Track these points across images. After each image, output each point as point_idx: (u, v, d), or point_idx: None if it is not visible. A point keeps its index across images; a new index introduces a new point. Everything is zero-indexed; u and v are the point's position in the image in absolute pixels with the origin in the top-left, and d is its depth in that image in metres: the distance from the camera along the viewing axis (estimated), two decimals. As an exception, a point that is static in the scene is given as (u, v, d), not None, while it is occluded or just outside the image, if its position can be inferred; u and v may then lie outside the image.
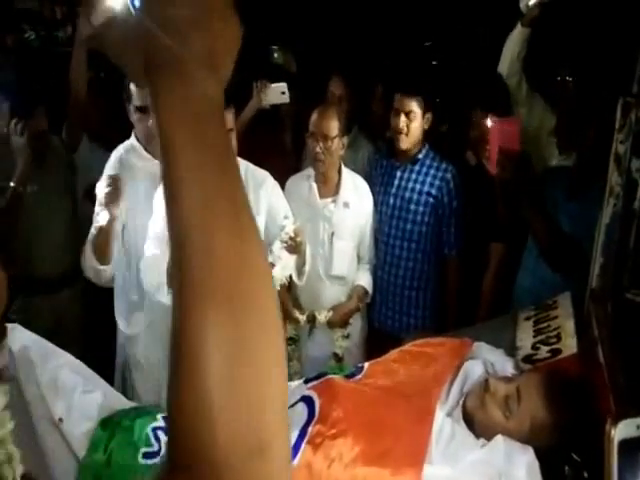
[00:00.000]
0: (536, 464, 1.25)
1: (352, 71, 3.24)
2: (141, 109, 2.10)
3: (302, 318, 2.58)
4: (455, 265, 2.77)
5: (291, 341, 2.65)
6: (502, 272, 2.63)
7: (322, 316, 2.58)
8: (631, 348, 1.58)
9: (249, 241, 0.50)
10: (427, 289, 2.80)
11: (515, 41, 2.92)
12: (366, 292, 2.72)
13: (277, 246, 2.14)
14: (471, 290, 2.69)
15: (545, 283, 2.23)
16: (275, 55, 3.56)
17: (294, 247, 2.13)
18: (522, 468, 1.23)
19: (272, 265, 2.13)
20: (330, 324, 2.61)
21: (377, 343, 2.44)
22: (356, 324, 2.72)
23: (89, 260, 2.12)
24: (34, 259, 2.62)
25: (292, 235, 2.10)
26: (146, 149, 2.24)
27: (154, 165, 2.13)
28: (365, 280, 2.72)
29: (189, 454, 0.45)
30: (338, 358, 2.61)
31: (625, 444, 0.65)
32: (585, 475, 1.14)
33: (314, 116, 2.53)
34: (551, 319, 1.87)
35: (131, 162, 2.24)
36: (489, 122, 2.11)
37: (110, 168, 2.24)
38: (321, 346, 2.66)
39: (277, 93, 2.74)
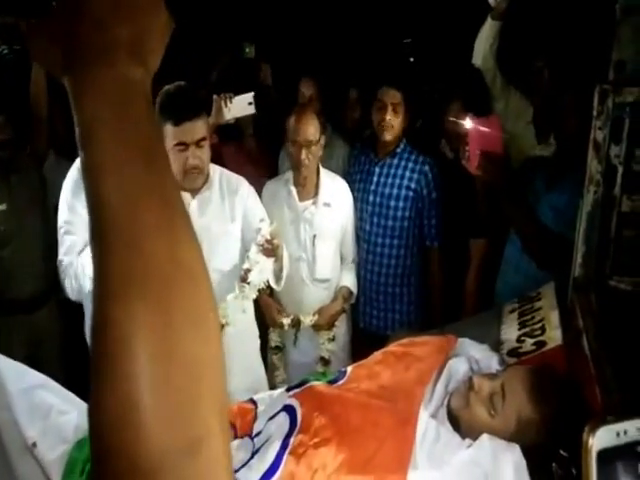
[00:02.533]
0: (523, 462, 1.22)
1: (322, 72, 3.23)
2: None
3: (287, 322, 2.53)
4: (437, 257, 2.76)
5: (276, 349, 2.62)
6: (484, 267, 2.62)
7: (307, 320, 2.55)
8: (616, 337, 1.55)
9: (180, 239, 0.47)
10: (410, 284, 2.79)
11: (486, 35, 2.91)
12: (351, 292, 2.69)
13: (254, 250, 2.10)
14: (455, 284, 2.67)
15: (528, 276, 2.22)
16: (247, 50, 3.51)
17: (271, 250, 2.09)
18: (509, 467, 1.20)
19: (249, 270, 2.10)
20: (316, 327, 2.58)
21: (363, 344, 2.41)
22: (341, 326, 2.70)
23: (66, 280, 2.04)
24: (6, 279, 2.56)
25: (268, 237, 2.06)
26: None
27: None
28: (349, 280, 2.70)
29: (112, 456, 0.41)
30: (325, 362, 2.58)
31: (604, 454, 0.60)
32: (573, 471, 1.11)
33: (292, 122, 2.51)
34: (535, 311, 1.84)
35: None
36: (468, 123, 2.10)
37: None
38: (307, 351, 2.63)
39: (242, 104, 2.60)
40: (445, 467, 1.25)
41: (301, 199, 2.61)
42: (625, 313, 1.66)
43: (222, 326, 2.11)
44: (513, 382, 1.34)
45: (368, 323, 2.85)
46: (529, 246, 2.22)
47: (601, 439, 0.61)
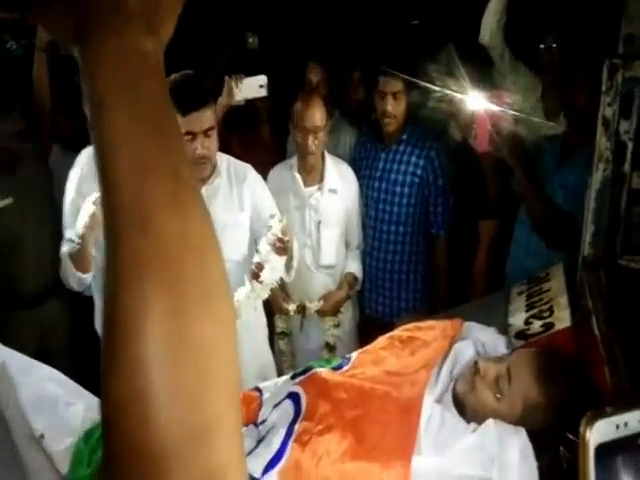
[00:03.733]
0: (529, 446, 1.20)
1: (329, 56, 3.18)
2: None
3: (292, 308, 2.52)
4: (443, 245, 2.73)
5: (283, 335, 2.60)
6: (494, 249, 2.59)
7: (312, 306, 2.53)
8: (626, 317, 1.52)
9: (191, 217, 0.45)
10: (417, 271, 2.76)
11: (494, 10, 2.86)
12: (356, 279, 2.67)
13: (264, 247, 2.07)
14: (463, 268, 2.64)
15: (538, 255, 2.18)
16: (250, 40, 3.48)
17: (283, 248, 2.05)
18: (515, 451, 1.18)
19: (260, 266, 2.08)
20: (321, 313, 2.56)
21: (369, 330, 2.38)
22: (347, 312, 2.68)
23: (69, 269, 2.06)
24: (14, 273, 2.56)
25: (280, 236, 2.02)
26: None
27: None
28: (355, 267, 2.67)
29: (123, 442, 0.40)
30: (330, 348, 2.57)
31: (603, 448, 0.56)
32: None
33: (298, 108, 2.47)
34: (543, 292, 1.81)
35: None
36: (475, 101, 2.06)
37: None
38: (313, 337, 2.61)
39: (254, 86, 2.54)
40: (450, 452, 1.23)
41: (306, 185, 2.58)
42: (635, 292, 1.63)
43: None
44: (519, 365, 1.32)
45: (374, 310, 2.83)
46: (539, 225, 2.19)
47: (599, 432, 0.57)
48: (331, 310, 2.56)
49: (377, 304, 2.81)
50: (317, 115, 2.45)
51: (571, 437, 1.15)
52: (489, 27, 2.91)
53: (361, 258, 2.73)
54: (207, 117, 2.02)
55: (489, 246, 2.62)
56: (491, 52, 2.92)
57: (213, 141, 2.06)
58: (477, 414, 1.32)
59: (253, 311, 2.18)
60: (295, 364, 2.56)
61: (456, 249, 2.73)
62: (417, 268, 2.76)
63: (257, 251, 2.11)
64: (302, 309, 2.54)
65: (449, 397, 1.40)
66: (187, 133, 1.99)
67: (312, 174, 2.59)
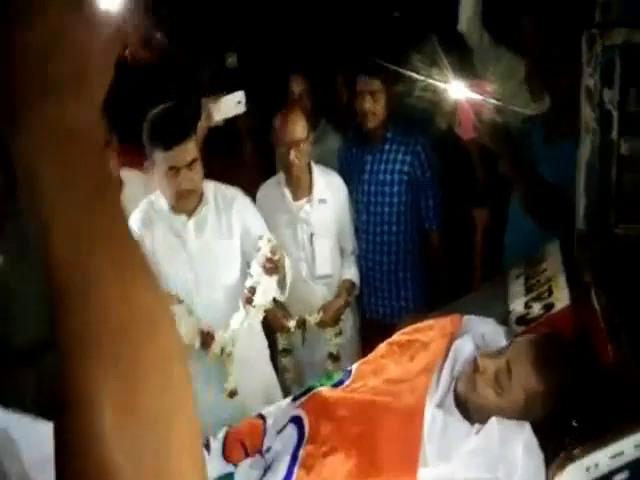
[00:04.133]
0: (533, 440, 1.15)
1: (310, 65, 3.15)
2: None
3: (292, 324, 2.47)
4: (437, 239, 2.70)
5: (285, 353, 2.56)
6: (489, 235, 2.55)
7: (312, 319, 2.48)
8: (626, 287, 1.46)
9: (133, 286, 0.45)
10: (413, 268, 2.72)
11: None
12: (353, 285, 2.63)
13: (256, 270, 2.06)
14: (461, 259, 2.59)
15: (534, 235, 2.11)
16: (229, 60, 3.46)
17: (274, 268, 2.04)
18: (519, 448, 1.14)
19: (253, 289, 2.06)
20: (321, 325, 2.51)
21: (371, 334, 2.34)
22: (347, 319, 2.63)
23: None
24: (10, 331, 2.52)
25: (269, 256, 2.01)
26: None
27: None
28: (351, 273, 2.64)
29: None
30: (334, 358, 2.51)
31: None
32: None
33: (279, 123, 2.46)
34: (541, 273, 1.75)
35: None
36: (456, 90, 2.04)
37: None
38: (316, 350, 2.57)
39: (231, 104, 2.51)
40: (455, 459, 1.19)
41: (295, 199, 2.56)
42: (633, 261, 1.57)
43: (229, 354, 2.06)
44: (517, 357, 1.28)
45: (375, 312, 2.78)
46: (531, 205, 2.15)
47: (570, 477, 0.52)
48: (332, 320, 2.51)
49: (377, 306, 2.77)
50: (298, 128, 2.44)
51: (575, 424, 1.11)
52: (466, 14, 2.90)
53: (357, 263, 2.70)
54: (190, 150, 2.01)
55: (484, 233, 2.58)
56: (470, 40, 2.91)
57: (197, 172, 2.05)
58: (480, 413, 1.28)
59: (251, 336, 2.16)
60: (300, 380, 2.52)
61: (452, 240, 2.68)
62: (413, 265, 2.72)
63: (249, 275, 2.09)
64: (302, 323, 2.49)
65: (451, 398, 1.35)
66: (171, 168, 1.99)
67: (300, 187, 2.56)
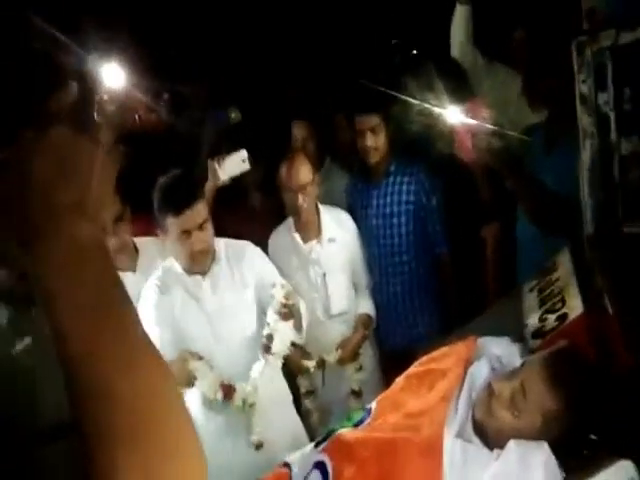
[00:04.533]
0: (552, 460, 1.11)
1: (311, 109, 3.21)
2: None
3: (312, 365, 2.45)
4: (448, 261, 2.68)
5: (308, 394, 2.52)
6: (501, 250, 2.51)
7: (331, 357, 2.45)
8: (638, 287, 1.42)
9: (146, 380, 0.49)
10: (428, 294, 2.70)
11: (458, 22, 2.92)
12: (370, 318, 2.61)
13: (272, 317, 2.07)
14: (475, 279, 2.55)
15: (545, 247, 2.07)
16: (232, 115, 3.52)
17: (288, 313, 2.05)
18: (539, 470, 1.10)
19: (271, 337, 2.06)
20: (341, 362, 2.48)
21: (392, 365, 2.30)
22: (366, 353, 2.60)
23: None
24: (34, 411, 2.52)
25: (283, 301, 2.02)
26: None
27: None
28: (367, 307, 2.63)
29: None
30: (357, 394, 2.48)
31: None
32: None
33: (284, 171, 2.50)
34: (553, 283, 1.71)
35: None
36: (451, 113, 2.07)
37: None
38: (338, 388, 2.53)
39: (237, 163, 2.57)
40: None
41: (305, 241, 2.58)
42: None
43: (251, 405, 2.03)
44: (531, 377, 1.25)
45: (393, 343, 2.75)
46: (536, 215, 2.13)
47: None
48: (351, 356, 2.49)
49: (395, 336, 2.74)
50: (303, 173, 2.47)
51: (593, 437, 1.06)
52: (458, 40, 2.94)
53: (371, 296, 2.69)
54: (200, 211, 2.03)
55: (496, 249, 2.54)
56: (464, 63, 2.93)
57: (208, 232, 2.08)
58: (499, 437, 1.24)
59: (273, 383, 2.15)
60: (325, 420, 2.48)
61: (464, 260, 2.64)
62: (427, 290, 2.70)
63: (267, 324, 2.09)
64: (322, 363, 2.47)
65: (470, 426, 1.32)
66: (183, 232, 2.02)
67: (309, 229, 2.59)
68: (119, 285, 0.53)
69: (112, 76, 3.36)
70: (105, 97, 3.44)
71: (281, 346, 2.07)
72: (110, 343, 0.48)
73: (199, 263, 2.11)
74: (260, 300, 2.21)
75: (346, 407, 2.38)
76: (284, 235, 2.62)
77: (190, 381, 1.93)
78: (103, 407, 0.46)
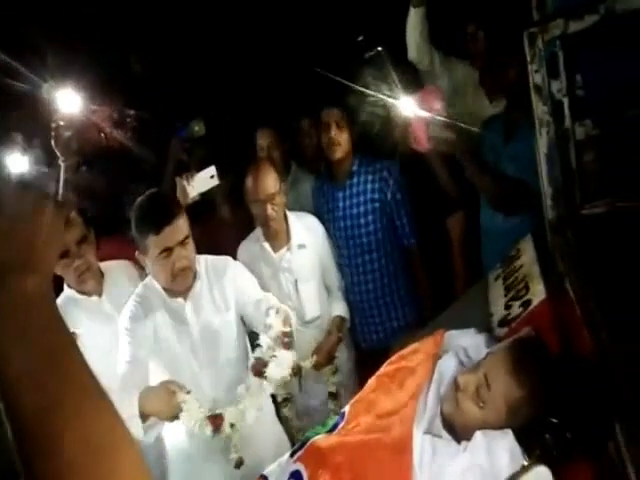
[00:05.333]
0: (517, 447, 1.12)
1: (274, 117, 3.18)
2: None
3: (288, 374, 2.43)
4: (417, 254, 2.70)
5: (285, 402, 2.50)
6: (468, 240, 2.53)
7: (307, 363, 2.42)
8: (599, 269, 1.43)
9: (96, 425, 0.50)
10: (399, 288, 2.72)
11: (413, 24, 2.90)
12: (343, 320, 2.60)
13: (265, 342, 1.97)
14: (445, 268, 2.57)
15: (508, 234, 2.08)
16: (196, 128, 3.49)
17: (290, 342, 1.96)
18: (505, 457, 1.11)
19: (263, 362, 1.95)
20: (317, 367, 2.45)
21: (368, 363, 2.29)
22: (342, 355, 2.59)
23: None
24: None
25: (284, 330, 1.94)
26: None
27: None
28: (340, 309, 2.61)
29: None
30: (334, 396, 2.46)
31: None
32: (568, 436, 0.99)
33: (249, 182, 2.47)
34: (517, 270, 1.73)
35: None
36: (405, 106, 2.07)
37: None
38: (315, 393, 2.52)
39: (205, 179, 2.56)
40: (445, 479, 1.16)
41: (276, 250, 2.57)
42: (604, 240, 1.54)
43: (237, 429, 1.92)
44: (494, 367, 1.25)
45: (369, 341, 2.76)
46: (496, 201, 2.17)
47: None
48: (326, 360, 2.46)
49: (371, 334, 2.75)
50: (269, 183, 2.45)
51: (554, 421, 1.07)
52: (414, 42, 2.95)
53: (344, 296, 2.69)
54: (180, 227, 1.97)
55: (461, 240, 2.55)
56: (420, 63, 2.96)
57: (190, 249, 2.01)
58: (466, 429, 1.25)
59: (257, 411, 2.02)
60: (303, 425, 2.46)
61: (433, 252, 2.66)
62: (399, 285, 2.71)
63: (258, 346, 2.00)
64: (299, 370, 2.41)
65: (439, 421, 1.32)
66: (164, 250, 1.94)
67: (279, 238, 2.57)
68: (64, 335, 0.54)
69: (68, 101, 3.32)
70: (61, 123, 3.40)
71: (278, 372, 1.94)
72: (56, 394, 0.49)
73: (181, 282, 2.02)
74: (243, 316, 2.16)
75: (325, 411, 2.38)
76: (253, 245, 2.60)
77: (175, 415, 1.81)
78: (50, 458, 0.46)
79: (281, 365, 1.95)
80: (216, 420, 1.88)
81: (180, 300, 2.05)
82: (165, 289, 2.05)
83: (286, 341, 1.95)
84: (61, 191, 0.65)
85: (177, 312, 2.05)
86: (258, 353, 1.99)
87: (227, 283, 2.15)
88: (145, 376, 1.96)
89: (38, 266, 0.55)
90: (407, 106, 2.10)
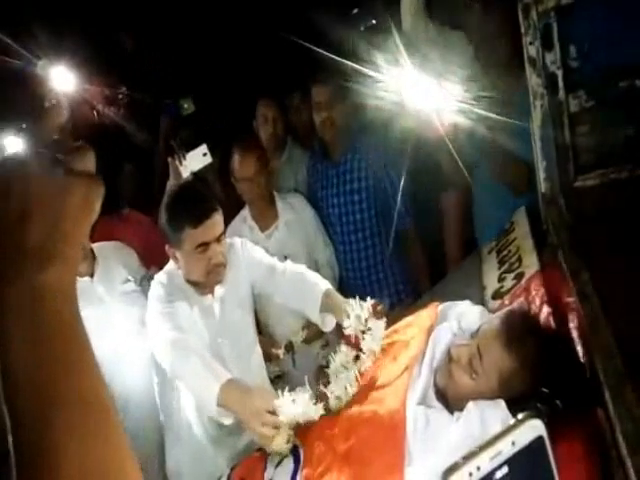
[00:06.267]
0: (509, 416, 1.13)
1: (276, 89, 3.10)
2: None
3: (282, 352, 2.43)
4: (412, 234, 2.68)
5: (278, 379, 2.46)
6: (461, 217, 2.53)
7: (298, 338, 2.44)
8: (592, 241, 1.44)
9: (98, 445, 0.47)
10: (393, 262, 2.70)
11: None
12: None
13: (355, 314, 1.77)
14: (439, 243, 2.58)
15: (500, 208, 2.08)
16: (185, 106, 3.46)
17: (380, 311, 1.75)
18: (497, 427, 1.11)
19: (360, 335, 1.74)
20: (307, 341, 2.47)
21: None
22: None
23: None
24: None
25: (371, 310, 1.74)
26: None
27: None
28: (328, 283, 2.57)
29: None
30: (324, 346, 2.48)
31: None
32: (558, 404, 1.00)
33: (234, 163, 2.46)
34: (510, 243, 1.74)
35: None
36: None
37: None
38: (307, 367, 2.46)
39: (198, 157, 2.50)
40: (439, 450, 1.17)
41: (264, 230, 2.58)
42: (598, 212, 1.55)
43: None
44: (486, 339, 1.26)
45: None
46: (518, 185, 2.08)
47: None
48: (316, 334, 2.44)
49: None
50: (253, 163, 2.44)
51: (545, 390, 1.08)
52: (408, 13, 2.89)
53: (333, 270, 2.68)
54: (219, 223, 1.88)
55: (458, 217, 2.54)
56: (416, 36, 2.91)
57: (224, 244, 1.93)
58: (459, 400, 1.26)
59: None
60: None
61: (427, 227, 2.67)
62: (392, 262, 2.70)
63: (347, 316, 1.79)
64: (291, 346, 2.45)
65: (432, 392, 1.33)
66: (201, 245, 1.85)
67: (266, 217, 2.58)
68: (78, 336, 0.50)
69: (62, 79, 3.30)
70: (55, 102, 3.39)
71: (375, 344, 1.71)
72: (60, 404, 0.46)
73: (214, 277, 1.93)
74: (254, 284, 2.08)
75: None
76: (241, 226, 2.59)
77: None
78: (47, 471, 0.45)
79: (375, 337, 1.73)
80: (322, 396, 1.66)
81: (209, 296, 1.97)
82: (191, 282, 1.95)
83: (379, 309, 1.77)
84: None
85: (205, 306, 1.97)
86: (348, 324, 1.78)
87: (243, 266, 2.07)
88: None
89: (63, 252, 0.50)
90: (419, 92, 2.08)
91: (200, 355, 1.74)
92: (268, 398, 1.58)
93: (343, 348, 1.76)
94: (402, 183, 2.64)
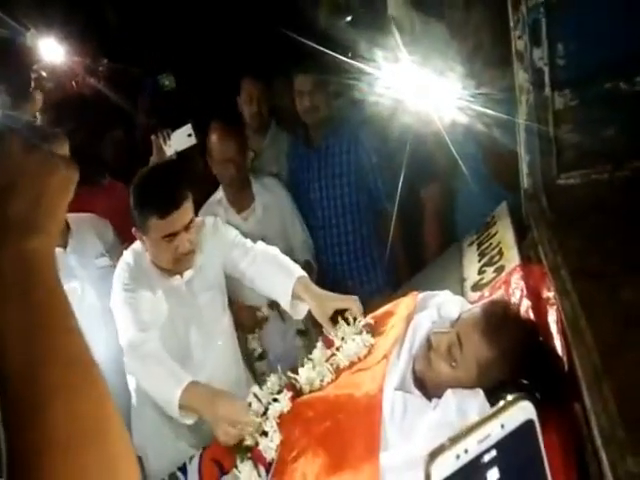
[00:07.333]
0: (487, 406, 1.14)
1: (260, 70, 3.07)
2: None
3: (266, 310, 2.44)
4: (391, 218, 2.65)
5: (260, 358, 2.48)
6: (442, 209, 2.54)
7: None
8: (572, 237, 1.46)
9: (83, 401, 0.49)
10: (373, 251, 2.73)
11: None
12: (310, 264, 2.54)
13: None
14: (419, 234, 2.60)
15: (481, 201, 2.10)
16: (166, 82, 3.42)
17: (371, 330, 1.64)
18: (474, 416, 1.12)
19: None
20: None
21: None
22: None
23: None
24: None
25: (369, 322, 1.62)
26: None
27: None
28: (306, 255, 2.60)
29: None
30: (303, 333, 2.48)
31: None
32: (537, 396, 1.03)
33: (211, 142, 2.44)
34: (491, 237, 1.76)
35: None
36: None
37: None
38: (289, 338, 2.52)
39: (182, 137, 2.48)
40: (415, 436, 1.18)
41: (240, 212, 2.56)
42: (579, 210, 1.57)
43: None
44: (467, 328, 1.27)
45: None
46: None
47: (442, 467, 0.55)
48: None
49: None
50: (231, 145, 2.42)
51: (524, 382, 1.10)
52: (394, 3, 2.89)
53: (309, 255, 2.65)
54: (187, 211, 1.80)
55: (437, 209, 2.56)
56: (402, 26, 2.91)
57: (194, 231, 1.85)
58: (438, 388, 1.27)
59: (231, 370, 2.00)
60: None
61: (407, 218, 2.67)
62: (372, 248, 2.72)
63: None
64: (274, 303, 2.28)
65: (410, 379, 1.34)
66: (168, 235, 1.78)
67: (242, 199, 2.56)
68: (62, 300, 0.52)
69: (50, 51, 3.25)
70: (43, 73, 3.35)
71: (356, 350, 1.60)
72: (43, 360, 0.47)
73: (183, 264, 1.88)
74: (227, 263, 2.02)
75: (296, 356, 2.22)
76: (216, 207, 2.54)
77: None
78: (37, 429, 0.45)
79: (359, 345, 1.61)
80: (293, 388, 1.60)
81: (177, 276, 1.91)
82: (161, 269, 1.90)
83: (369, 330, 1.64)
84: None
85: (172, 289, 1.91)
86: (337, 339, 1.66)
87: (213, 246, 2.02)
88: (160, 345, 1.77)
89: (44, 225, 0.53)
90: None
91: (159, 359, 1.70)
92: (231, 406, 1.54)
93: (320, 345, 1.69)
94: (383, 171, 2.66)
